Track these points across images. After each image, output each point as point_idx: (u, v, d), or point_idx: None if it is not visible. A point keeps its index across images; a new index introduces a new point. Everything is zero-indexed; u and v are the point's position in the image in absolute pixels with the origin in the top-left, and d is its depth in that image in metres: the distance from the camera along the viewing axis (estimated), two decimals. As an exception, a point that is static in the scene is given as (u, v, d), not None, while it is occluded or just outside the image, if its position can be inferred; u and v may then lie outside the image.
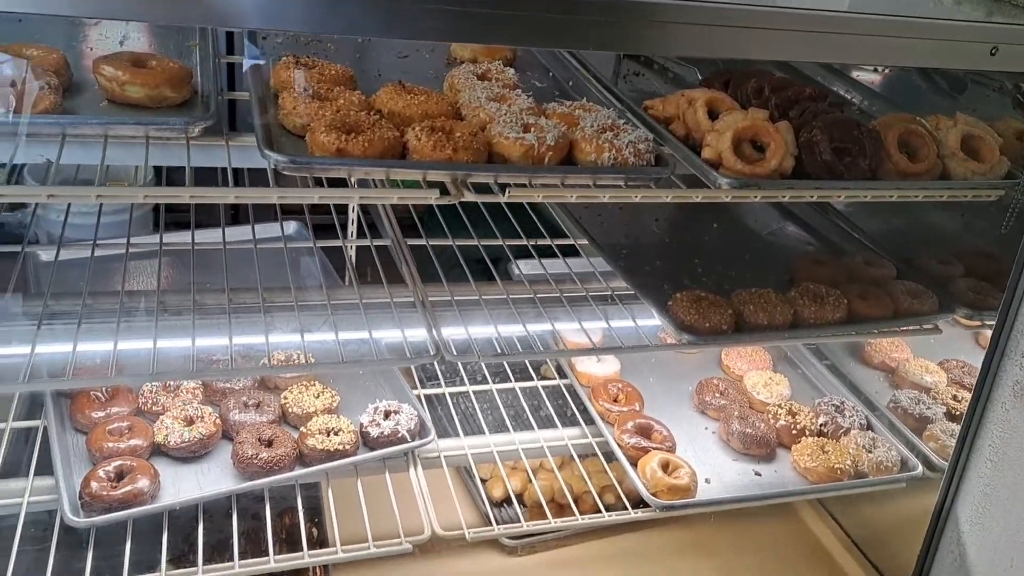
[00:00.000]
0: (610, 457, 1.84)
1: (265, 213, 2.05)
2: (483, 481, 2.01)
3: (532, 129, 1.39)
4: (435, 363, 1.89)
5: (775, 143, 1.45)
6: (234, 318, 1.61)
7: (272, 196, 1.26)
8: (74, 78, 1.42)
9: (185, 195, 1.20)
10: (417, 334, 1.62)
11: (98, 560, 1.43)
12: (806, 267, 1.87)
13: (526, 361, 2.12)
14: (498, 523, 1.72)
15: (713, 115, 1.56)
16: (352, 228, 2.42)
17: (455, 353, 1.47)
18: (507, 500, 2.00)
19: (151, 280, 1.95)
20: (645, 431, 1.84)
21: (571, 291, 1.83)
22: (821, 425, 1.92)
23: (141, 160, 1.32)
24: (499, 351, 1.56)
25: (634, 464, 1.76)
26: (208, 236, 1.87)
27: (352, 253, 2.42)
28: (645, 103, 1.69)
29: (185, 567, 1.48)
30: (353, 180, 1.31)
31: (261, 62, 1.54)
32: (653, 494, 1.68)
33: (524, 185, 1.35)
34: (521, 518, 1.74)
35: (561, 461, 1.97)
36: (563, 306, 1.75)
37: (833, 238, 2.04)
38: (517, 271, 2.10)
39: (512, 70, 1.70)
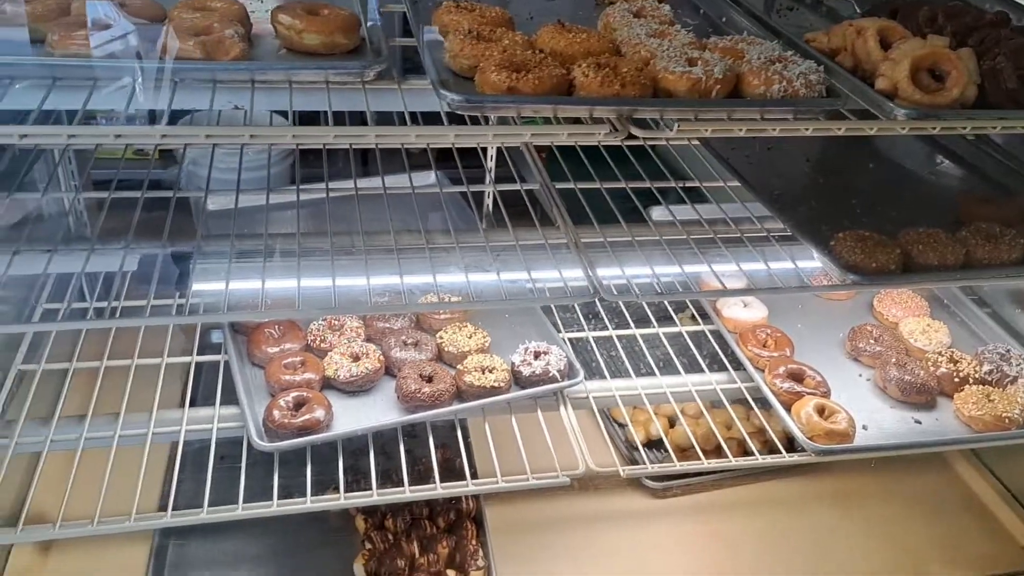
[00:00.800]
0: (759, 403, 1.83)
1: (395, 164, 2.09)
2: (620, 425, 2.04)
3: (698, 63, 1.37)
4: (576, 306, 1.92)
5: (956, 71, 1.38)
6: (393, 259, 1.67)
7: (449, 136, 1.29)
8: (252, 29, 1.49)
9: (371, 135, 1.25)
10: (571, 275, 1.64)
11: (283, 479, 1.53)
12: (973, 206, 1.77)
13: (668, 307, 2.12)
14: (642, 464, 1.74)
15: (885, 46, 1.49)
16: (490, 175, 2.46)
17: (614, 293, 1.48)
18: (647, 444, 2.02)
19: (309, 225, 2.03)
20: (797, 376, 1.81)
21: (723, 232, 1.81)
22: (986, 373, 1.84)
23: (318, 106, 1.37)
24: (658, 291, 1.57)
25: (787, 409, 1.74)
26: (346, 185, 1.91)
27: (489, 201, 2.47)
28: (806, 36, 1.63)
29: (357, 491, 1.57)
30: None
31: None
32: (810, 439, 1.66)
33: (689, 120, 1.34)
34: (673, 459, 1.75)
35: (699, 408, 1.95)
36: (716, 247, 1.73)
37: (998, 177, 1.92)
38: (657, 214, 2.08)
39: (667, 6, 1.67)
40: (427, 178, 2.50)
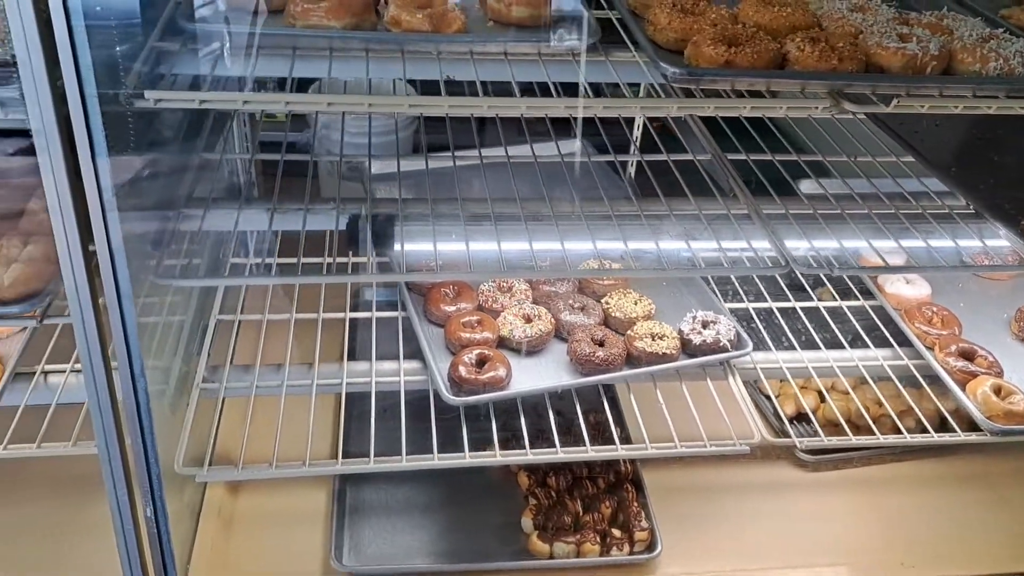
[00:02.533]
0: (929, 380, 1.82)
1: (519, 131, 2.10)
2: (766, 398, 2.05)
3: (911, 39, 1.36)
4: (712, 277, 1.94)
5: None
6: (547, 226, 1.71)
7: (672, 108, 1.33)
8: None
9: (560, 106, 1.30)
10: (740, 245, 1.66)
11: (440, 434, 1.61)
12: None
13: (825, 282, 2.12)
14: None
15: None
16: (635, 146, 2.48)
17: (812, 264, 1.50)
18: (798, 417, 2.04)
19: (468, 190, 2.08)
20: (968, 355, 1.80)
21: (879, 208, 1.80)
22: None
23: (531, 76, 1.42)
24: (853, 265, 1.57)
25: (961, 388, 1.73)
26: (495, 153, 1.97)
27: (632, 170, 2.49)
28: (1002, 12, 1.60)
29: (540, 447, 1.64)
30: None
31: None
32: (988, 418, 1.65)
33: (902, 95, 1.34)
34: (835, 432, 1.76)
35: (855, 382, 1.96)
36: (873, 222, 1.72)
37: None
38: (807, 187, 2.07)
39: (861, -20, 1.65)
40: (569, 146, 2.54)
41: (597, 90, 1.59)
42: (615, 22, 1.57)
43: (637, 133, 2.46)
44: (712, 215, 1.70)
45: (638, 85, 2.02)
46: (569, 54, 1.42)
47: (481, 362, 1.71)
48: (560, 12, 1.50)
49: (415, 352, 1.80)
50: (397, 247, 1.53)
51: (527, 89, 1.50)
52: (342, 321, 1.89)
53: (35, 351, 1.68)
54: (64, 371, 1.65)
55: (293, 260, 1.73)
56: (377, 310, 1.90)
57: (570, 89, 1.49)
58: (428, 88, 1.46)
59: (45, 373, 1.65)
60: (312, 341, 1.81)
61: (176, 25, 1.32)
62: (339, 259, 1.99)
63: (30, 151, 1.60)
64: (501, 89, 1.45)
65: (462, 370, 1.67)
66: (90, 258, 1.19)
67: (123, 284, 1.22)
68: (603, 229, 1.61)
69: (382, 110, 2.42)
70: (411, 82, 1.96)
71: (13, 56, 1.12)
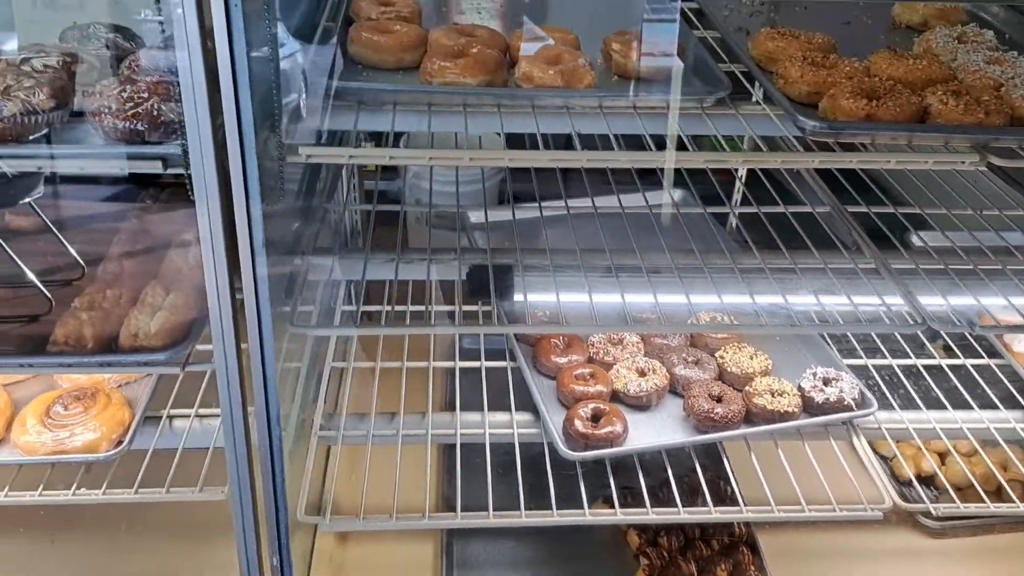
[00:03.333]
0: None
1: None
2: (883, 458, 1.97)
3: (1060, 91, 1.32)
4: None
5: None
6: (668, 278, 1.69)
7: (812, 161, 1.31)
8: (581, 56, 1.57)
9: (699, 159, 1.29)
10: (871, 300, 1.60)
11: (556, 488, 1.58)
12: None
13: (946, 339, 2.04)
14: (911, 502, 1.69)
15: None
16: (737, 196, 2.46)
17: (955, 322, 1.44)
18: (916, 479, 1.95)
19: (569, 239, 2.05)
20: (1113, 420, 1.70)
21: (985, 264, 1.72)
22: None
23: (646, 130, 1.42)
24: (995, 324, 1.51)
25: (1107, 454, 1.63)
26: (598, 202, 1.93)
27: (735, 220, 2.46)
28: None
29: (631, 507, 1.60)
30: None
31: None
32: None
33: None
34: (956, 500, 1.67)
35: (977, 445, 1.85)
36: (1006, 278, 1.65)
37: None
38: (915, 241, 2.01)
39: (990, 32, 1.62)
40: (662, 197, 2.53)
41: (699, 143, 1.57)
42: (739, 75, 1.57)
43: (740, 183, 2.44)
44: (835, 269, 1.65)
45: (737, 137, 2.02)
46: (698, 106, 1.41)
47: (596, 416, 1.68)
48: (686, 65, 1.51)
49: (525, 403, 1.78)
50: (518, 297, 1.53)
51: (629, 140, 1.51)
52: (451, 369, 1.90)
53: (160, 395, 1.72)
54: (188, 416, 1.69)
55: (407, 308, 1.76)
56: (486, 358, 1.90)
57: (632, 141, 1.48)
58: (518, 141, 1.49)
59: (171, 418, 1.69)
60: (422, 389, 1.82)
61: (319, 83, 1.37)
62: (439, 307, 2.03)
63: (169, 202, 1.67)
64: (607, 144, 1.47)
65: (578, 425, 1.65)
66: (237, 302, 1.22)
67: (266, 330, 1.25)
68: (723, 282, 1.58)
69: (482, 163, 2.46)
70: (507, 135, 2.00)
71: (178, 115, 1.18)
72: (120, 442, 1.57)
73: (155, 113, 1.19)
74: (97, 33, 1.46)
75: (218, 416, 1.70)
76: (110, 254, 1.50)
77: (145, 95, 1.19)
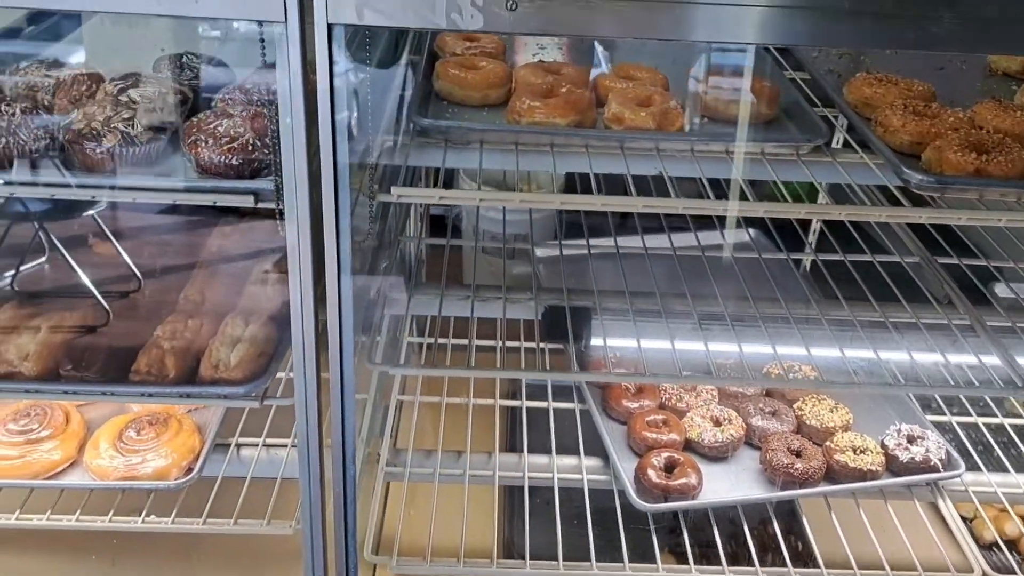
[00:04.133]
0: None
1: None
2: (963, 519, 1.87)
3: None
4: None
5: None
6: (750, 327, 1.64)
7: (920, 216, 1.26)
8: (671, 98, 1.54)
9: (801, 211, 1.25)
10: (967, 359, 1.54)
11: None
12: None
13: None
14: (999, 570, 1.59)
15: None
16: (813, 238, 2.39)
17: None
18: (996, 544, 1.85)
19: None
20: None
21: None
22: None
23: (740, 175, 1.38)
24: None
25: None
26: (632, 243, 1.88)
27: (807, 263, 2.39)
28: None
29: (738, 564, 1.54)
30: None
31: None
32: None
33: None
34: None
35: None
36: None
37: None
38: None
39: (1096, 81, 1.55)
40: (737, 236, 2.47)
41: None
42: (831, 120, 1.52)
43: (817, 226, 2.37)
44: (928, 324, 1.59)
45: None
46: (794, 153, 1.37)
47: (670, 466, 1.63)
48: (778, 110, 1.47)
49: (593, 446, 1.74)
50: (596, 342, 1.50)
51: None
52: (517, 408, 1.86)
53: (228, 422, 1.72)
54: (256, 445, 1.68)
55: (478, 342, 1.73)
56: (553, 398, 1.86)
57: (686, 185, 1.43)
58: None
59: (239, 446, 1.68)
60: (487, 426, 1.78)
61: (408, 122, 1.37)
62: (510, 343, 1.99)
63: (249, 234, 1.68)
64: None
65: (651, 474, 1.60)
66: (321, 334, 1.21)
67: (347, 366, 1.23)
68: (810, 333, 1.53)
69: (533, 206, 2.45)
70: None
71: (271, 150, 1.18)
72: (190, 469, 1.57)
73: (250, 148, 1.19)
74: (190, 63, 1.48)
75: (285, 446, 1.70)
76: (192, 282, 1.50)
77: (241, 130, 1.19)
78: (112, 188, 1.20)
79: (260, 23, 1.06)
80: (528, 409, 1.88)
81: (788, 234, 2.01)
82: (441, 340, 1.92)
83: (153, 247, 1.66)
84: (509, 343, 2.02)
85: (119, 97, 1.30)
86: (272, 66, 1.12)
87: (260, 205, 1.21)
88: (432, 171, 1.71)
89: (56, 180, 1.18)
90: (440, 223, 2.73)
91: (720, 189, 1.37)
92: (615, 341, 1.61)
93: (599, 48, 1.69)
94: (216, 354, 1.33)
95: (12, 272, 1.61)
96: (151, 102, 1.30)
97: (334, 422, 1.27)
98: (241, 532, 1.51)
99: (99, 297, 1.44)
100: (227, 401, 1.35)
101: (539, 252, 2.37)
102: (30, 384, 1.28)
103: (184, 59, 1.48)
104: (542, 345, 1.87)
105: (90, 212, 1.22)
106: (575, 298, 1.55)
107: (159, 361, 1.31)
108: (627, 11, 1.04)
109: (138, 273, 1.57)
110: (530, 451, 1.76)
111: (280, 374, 1.50)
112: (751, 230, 2.46)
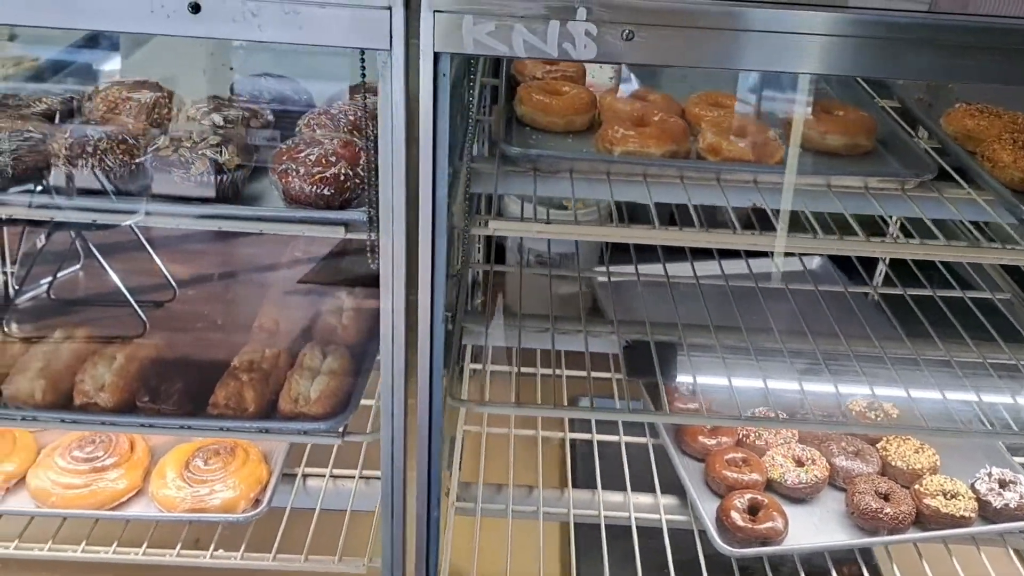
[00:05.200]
0: None
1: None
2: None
3: None
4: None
5: None
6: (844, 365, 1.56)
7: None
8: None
9: (909, 251, 1.18)
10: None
11: None
12: None
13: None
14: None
15: None
16: (884, 267, 2.32)
17: None
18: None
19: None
20: None
21: None
22: None
23: (845, 209, 1.32)
24: None
25: None
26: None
27: (878, 297, 2.32)
28: None
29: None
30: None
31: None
32: None
33: None
34: None
35: None
36: None
37: None
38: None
39: None
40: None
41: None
42: (930, 151, 1.46)
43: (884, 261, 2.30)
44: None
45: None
46: (899, 187, 1.31)
47: (754, 508, 1.56)
48: (878, 141, 1.42)
49: (664, 483, 1.68)
50: (684, 379, 1.44)
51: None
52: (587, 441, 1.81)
53: (293, 451, 1.68)
54: (323, 476, 1.63)
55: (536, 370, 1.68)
56: (624, 432, 1.80)
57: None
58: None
59: (304, 476, 1.64)
60: (554, 460, 1.73)
61: (491, 149, 1.33)
62: (571, 372, 1.93)
63: (323, 262, 1.64)
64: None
65: (736, 517, 1.53)
66: (410, 369, 1.16)
67: (436, 402, 1.19)
68: (907, 374, 1.47)
69: (589, 238, 2.42)
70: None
71: (364, 180, 1.14)
72: (257, 501, 1.53)
73: (342, 178, 1.15)
74: (268, 86, 1.45)
75: (353, 478, 1.66)
76: (264, 310, 1.46)
77: (333, 159, 1.15)
78: (202, 218, 1.16)
79: (363, 51, 1.02)
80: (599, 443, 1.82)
81: (851, 265, 1.95)
82: (496, 367, 1.88)
83: (220, 272, 1.63)
84: (571, 372, 1.97)
85: (202, 121, 1.26)
86: (358, 88, 1.08)
87: (350, 235, 1.17)
88: (484, 197, 1.66)
89: (137, 207, 1.15)
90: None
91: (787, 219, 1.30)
92: (704, 379, 1.55)
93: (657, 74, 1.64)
94: (296, 387, 1.29)
95: (48, 279, 1.59)
96: (234, 127, 1.27)
97: (420, 461, 1.22)
98: (311, 569, 1.46)
99: (140, 313, 1.39)
100: (307, 437, 1.30)
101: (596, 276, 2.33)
102: (107, 416, 1.24)
103: (263, 81, 1.45)
104: (618, 377, 1.81)
105: (131, 222, 1.18)
106: (658, 332, 1.49)
107: (237, 394, 1.27)
108: (746, 41, 0.99)
109: (177, 289, 1.54)
110: (592, 487, 1.71)
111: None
112: (816, 259, 2.40)
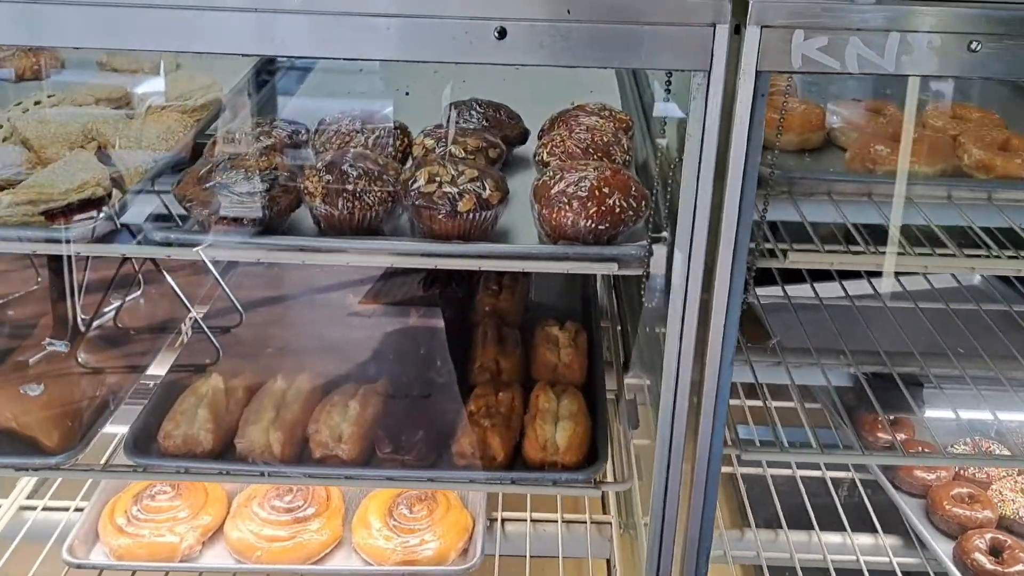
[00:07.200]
0: None
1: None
2: None
3: None
4: None
5: None
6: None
7: None
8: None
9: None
10: None
11: None
12: None
13: None
14: None
15: None
16: None
17: None
18: None
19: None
20: None
21: None
22: None
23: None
24: None
25: None
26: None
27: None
28: None
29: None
30: None
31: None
32: None
33: None
34: None
35: None
36: None
37: None
38: None
39: None
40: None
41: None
42: None
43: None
44: None
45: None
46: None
47: (996, 550, 1.45)
48: None
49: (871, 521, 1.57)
50: (935, 414, 1.34)
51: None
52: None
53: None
54: (524, 520, 1.54)
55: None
56: (826, 467, 1.70)
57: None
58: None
59: (503, 522, 1.55)
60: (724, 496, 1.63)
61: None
62: (777, 404, 1.83)
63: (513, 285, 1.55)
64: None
65: (981, 560, 1.43)
66: (694, 411, 1.07)
67: (716, 453, 1.09)
68: None
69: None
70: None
71: (631, 214, 1.05)
72: (464, 550, 1.44)
73: (617, 211, 1.07)
74: (482, 111, 1.36)
75: (554, 521, 1.57)
76: (481, 351, 1.37)
77: (607, 191, 1.07)
78: (460, 257, 1.07)
79: (669, 72, 0.94)
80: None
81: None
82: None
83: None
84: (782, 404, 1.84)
85: (454, 153, 1.18)
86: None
87: (621, 272, 1.08)
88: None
89: (413, 247, 1.07)
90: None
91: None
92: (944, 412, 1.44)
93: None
94: (542, 433, 1.20)
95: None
96: (474, 158, 1.19)
97: (694, 511, 1.12)
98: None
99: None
100: (561, 490, 1.21)
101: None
102: (351, 470, 1.16)
103: (474, 107, 1.36)
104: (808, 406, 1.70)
105: (421, 264, 1.11)
106: (899, 363, 1.39)
107: (482, 441, 1.18)
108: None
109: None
110: (789, 526, 1.61)
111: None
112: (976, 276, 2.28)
